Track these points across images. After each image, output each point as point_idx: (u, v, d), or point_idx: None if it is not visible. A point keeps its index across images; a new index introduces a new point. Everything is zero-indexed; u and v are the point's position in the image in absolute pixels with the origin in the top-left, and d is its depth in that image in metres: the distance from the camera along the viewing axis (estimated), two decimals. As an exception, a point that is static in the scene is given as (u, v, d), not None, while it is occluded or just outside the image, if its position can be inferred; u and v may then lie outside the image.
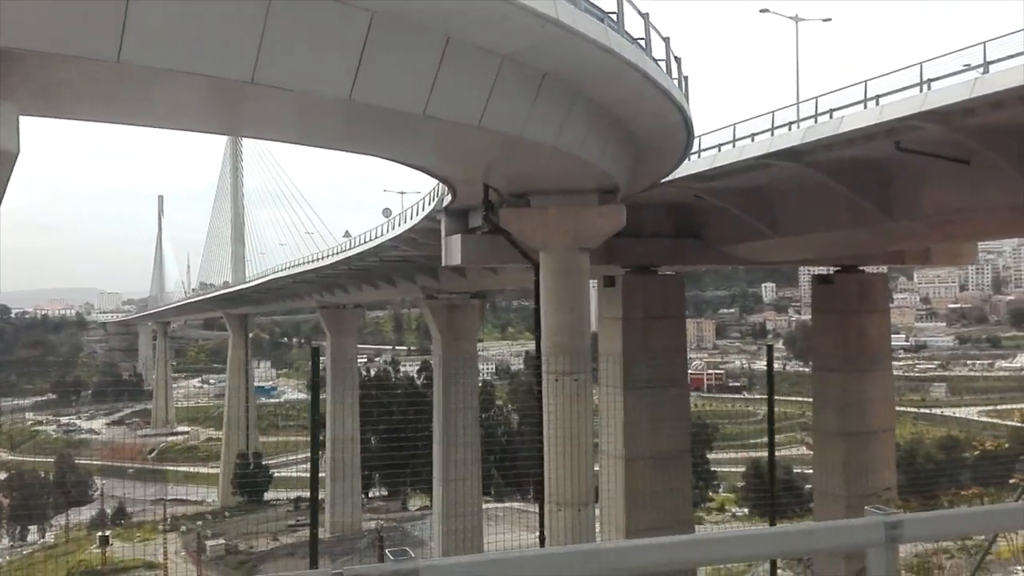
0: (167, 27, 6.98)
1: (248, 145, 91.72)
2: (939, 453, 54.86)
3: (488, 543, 48.05)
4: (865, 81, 19.14)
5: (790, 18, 29.22)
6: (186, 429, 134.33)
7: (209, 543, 62.93)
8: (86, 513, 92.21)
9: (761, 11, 28.40)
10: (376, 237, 38.97)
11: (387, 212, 44.51)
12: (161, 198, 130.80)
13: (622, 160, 15.70)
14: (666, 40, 14.61)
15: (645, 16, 12.90)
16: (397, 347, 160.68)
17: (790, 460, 76.37)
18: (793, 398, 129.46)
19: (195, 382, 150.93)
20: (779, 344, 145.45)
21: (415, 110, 9.78)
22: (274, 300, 77.30)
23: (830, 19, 36.18)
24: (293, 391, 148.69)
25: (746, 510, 68.86)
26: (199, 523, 70.25)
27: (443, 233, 26.62)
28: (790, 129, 21.83)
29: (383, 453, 73.40)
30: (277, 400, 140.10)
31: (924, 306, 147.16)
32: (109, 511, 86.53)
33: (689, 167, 22.11)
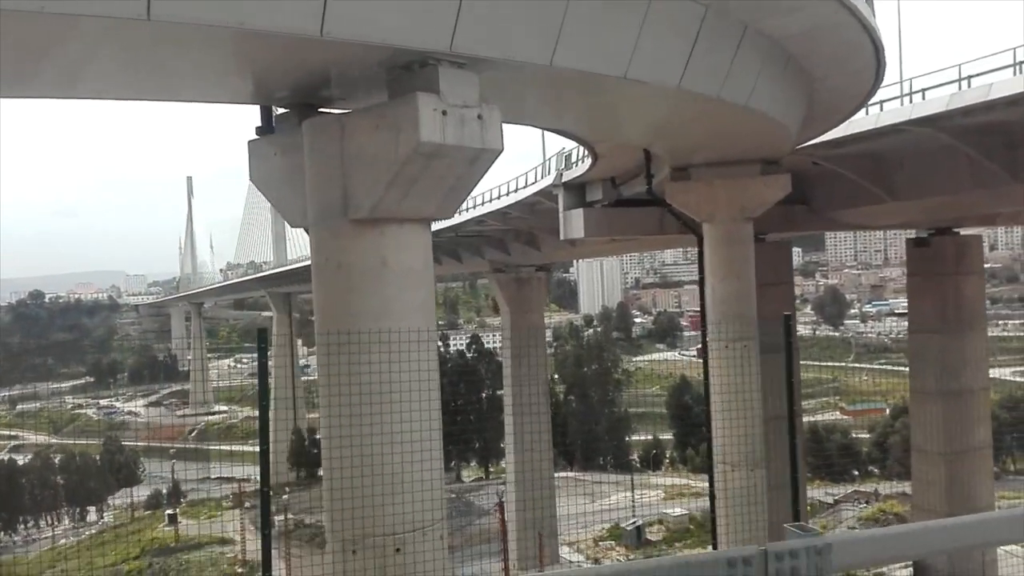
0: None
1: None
2: (1002, 412, 55.46)
3: (560, 510, 49.10)
4: (1014, 48, 19.42)
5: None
6: (224, 408, 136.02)
7: (276, 518, 64.09)
8: (137, 493, 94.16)
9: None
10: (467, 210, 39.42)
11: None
12: (190, 179, 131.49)
13: (797, 118, 15.72)
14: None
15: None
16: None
17: (834, 424, 77.22)
18: (825, 363, 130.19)
19: (229, 361, 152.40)
20: (807, 309, 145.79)
21: (616, 73, 8.93)
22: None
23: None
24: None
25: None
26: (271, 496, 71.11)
27: (560, 207, 27.17)
28: (910, 100, 22.16)
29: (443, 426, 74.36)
30: (312, 377, 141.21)
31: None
32: (164, 490, 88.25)
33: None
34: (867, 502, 48.15)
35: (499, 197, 36.64)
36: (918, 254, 32.81)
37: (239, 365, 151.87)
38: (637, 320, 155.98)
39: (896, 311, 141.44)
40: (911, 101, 22.19)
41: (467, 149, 7.27)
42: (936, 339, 31.21)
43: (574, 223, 26.20)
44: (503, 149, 7.49)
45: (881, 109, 23.07)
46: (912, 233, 34.32)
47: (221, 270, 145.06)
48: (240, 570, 54.94)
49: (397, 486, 7.53)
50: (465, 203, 43.63)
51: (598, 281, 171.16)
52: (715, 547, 18.98)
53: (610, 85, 9.43)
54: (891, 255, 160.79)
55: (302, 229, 9.66)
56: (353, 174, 7.48)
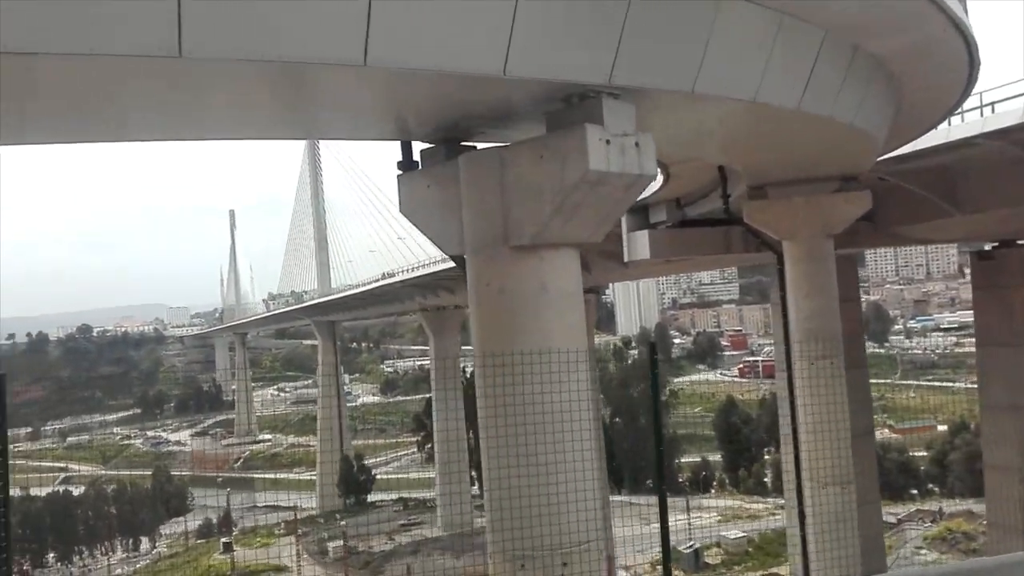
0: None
1: (326, 152, 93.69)
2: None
3: (617, 533, 48.77)
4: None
5: None
6: (268, 436, 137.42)
7: (330, 545, 64.47)
8: (188, 522, 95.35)
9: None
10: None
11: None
12: (232, 212, 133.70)
13: (885, 134, 15.83)
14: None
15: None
16: (465, 346, 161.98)
17: (889, 443, 75.78)
18: (872, 381, 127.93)
19: (272, 390, 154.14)
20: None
21: (747, 97, 9.09)
22: (370, 305, 78.74)
23: None
24: (367, 395, 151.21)
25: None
26: (320, 523, 71.77)
27: (624, 230, 27.43)
28: (981, 113, 22.21)
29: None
30: (354, 404, 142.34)
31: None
32: (214, 519, 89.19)
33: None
34: (932, 521, 47.31)
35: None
36: (982, 267, 32.52)
37: (282, 394, 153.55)
38: (676, 341, 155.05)
39: (942, 326, 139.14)
40: (982, 114, 22.28)
41: (627, 175, 7.62)
42: (1005, 352, 30.83)
43: (639, 244, 26.42)
44: (656, 174, 7.82)
45: (949, 123, 23.15)
46: (955, 247, 34.11)
47: (263, 300, 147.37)
48: (297, 597, 55.26)
49: (563, 503, 7.79)
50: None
51: (635, 302, 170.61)
52: (806, 569, 18.88)
53: (728, 106, 9.75)
54: (933, 269, 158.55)
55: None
56: (514, 203, 7.85)
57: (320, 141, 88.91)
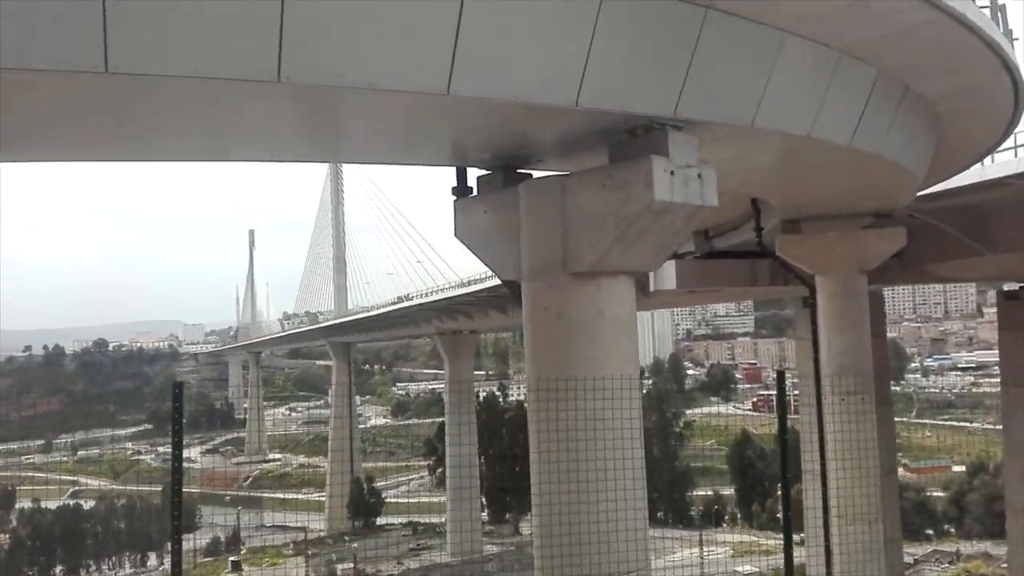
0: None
1: (349, 173, 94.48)
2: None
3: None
4: None
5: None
6: (278, 456, 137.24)
7: (339, 567, 64.19)
8: (196, 540, 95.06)
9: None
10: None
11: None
12: (252, 232, 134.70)
13: (924, 172, 15.92)
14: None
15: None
16: (476, 371, 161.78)
17: (906, 482, 74.76)
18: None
19: (283, 410, 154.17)
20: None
21: (802, 133, 9.26)
22: (387, 327, 78.97)
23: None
24: (377, 417, 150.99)
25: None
26: (329, 544, 71.47)
27: (651, 259, 27.52)
28: (1015, 154, 22.28)
29: (498, 478, 74.11)
30: (364, 426, 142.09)
31: None
32: (222, 537, 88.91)
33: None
34: (950, 562, 46.64)
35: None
36: (1008, 307, 32.31)
37: (293, 413, 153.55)
38: (690, 372, 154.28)
39: (959, 365, 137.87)
40: (1016, 155, 22.33)
41: (689, 206, 7.75)
42: (1030, 393, 30.61)
43: (665, 274, 26.49)
44: (716, 205, 7.96)
45: (982, 164, 23.21)
46: (974, 286, 33.87)
47: (278, 319, 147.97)
48: (305, 619, 54.88)
49: (613, 530, 7.83)
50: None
51: (649, 333, 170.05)
52: (831, 604, 18.66)
53: (777, 141, 9.90)
54: (951, 308, 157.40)
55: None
56: (574, 231, 7.99)
57: (343, 164, 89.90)
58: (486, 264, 9.38)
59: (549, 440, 8.13)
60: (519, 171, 9.26)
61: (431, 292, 62.11)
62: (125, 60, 5.20)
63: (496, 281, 52.34)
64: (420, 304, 61.66)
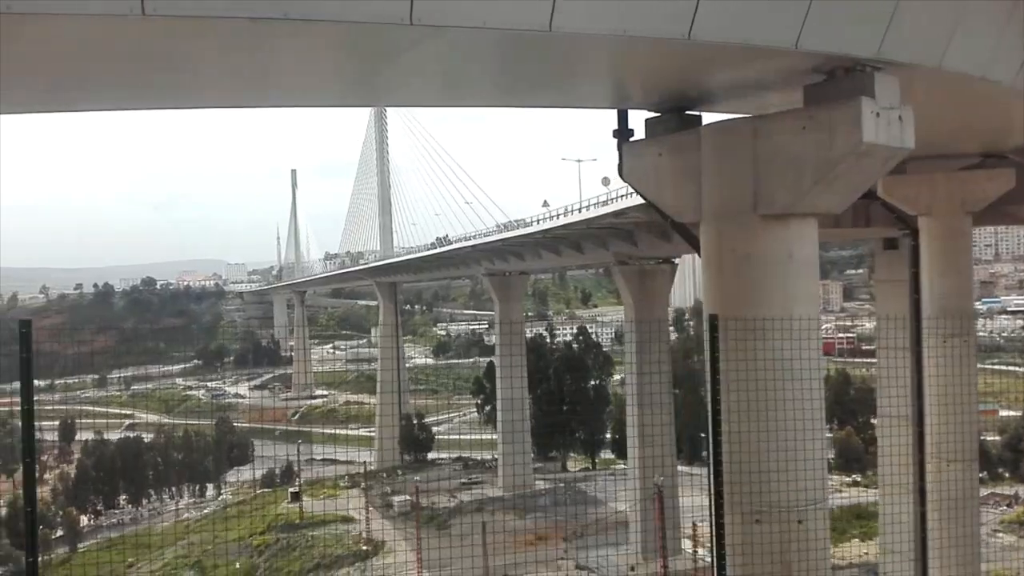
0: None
1: (393, 115, 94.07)
2: None
3: (683, 501, 49.08)
4: None
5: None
6: (324, 393, 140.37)
7: (394, 499, 66.05)
8: (248, 472, 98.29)
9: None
10: (611, 202, 39.92)
11: (606, 181, 45.82)
12: (294, 172, 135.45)
13: None
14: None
15: None
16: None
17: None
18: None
19: (327, 348, 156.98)
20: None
21: (979, 74, 9.15)
22: (435, 268, 79.54)
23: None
24: (420, 356, 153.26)
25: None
26: (383, 478, 73.53)
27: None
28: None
29: (547, 415, 75.32)
30: (408, 365, 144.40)
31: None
32: (277, 470, 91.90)
33: None
34: (1009, 504, 46.76)
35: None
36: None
37: (337, 352, 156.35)
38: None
39: (1008, 308, 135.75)
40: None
41: (890, 148, 7.79)
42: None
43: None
44: (913, 148, 7.98)
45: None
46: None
47: (319, 260, 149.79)
48: (365, 547, 56.83)
49: (799, 462, 8.09)
50: (608, 195, 44.22)
51: (690, 275, 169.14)
52: (923, 547, 18.98)
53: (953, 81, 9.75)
54: (1002, 250, 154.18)
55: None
56: (767, 173, 8.07)
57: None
58: (657, 205, 9.48)
59: (738, 378, 8.33)
60: (687, 113, 9.30)
61: (483, 234, 62.31)
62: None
63: (551, 223, 52.24)
64: (473, 245, 61.97)
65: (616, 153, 9.67)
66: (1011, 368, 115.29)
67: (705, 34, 6.25)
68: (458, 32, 5.73)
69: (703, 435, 76.17)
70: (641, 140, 9.45)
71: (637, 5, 6.06)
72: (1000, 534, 42.87)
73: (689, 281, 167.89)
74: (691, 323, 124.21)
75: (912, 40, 7.91)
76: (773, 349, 8.10)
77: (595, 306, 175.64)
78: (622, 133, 9.73)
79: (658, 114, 9.37)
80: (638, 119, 9.80)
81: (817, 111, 7.83)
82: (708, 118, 9.38)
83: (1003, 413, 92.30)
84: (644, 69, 8.27)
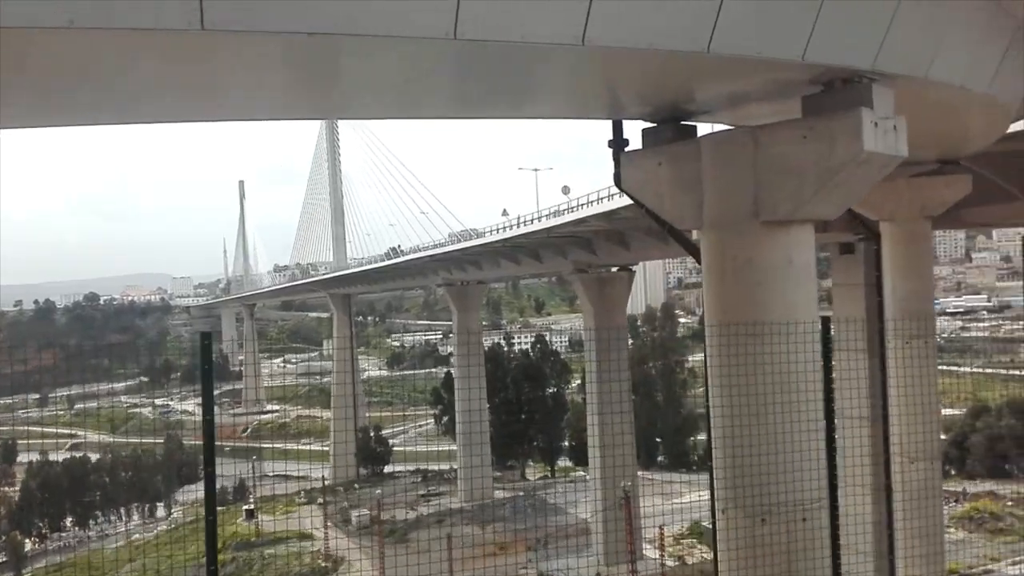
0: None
1: (344, 124, 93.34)
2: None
3: (644, 507, 49.56)
4: None
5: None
6: (276, 407, 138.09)
7: (353, 513, 65.31)
8: (200, 490, 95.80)
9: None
10: (572, 211, 40.21)
11: (566, 189, 46.25)
12: (242, 183, 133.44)
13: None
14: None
15: None
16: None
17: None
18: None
19: (278, 361, 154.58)
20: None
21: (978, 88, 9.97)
22: (389, 279, 79.13)
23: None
24: (373, 368, 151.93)
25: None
26: (340, 493, 72.60)
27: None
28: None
29: (505, 424, 75.30)
30: (362, 377, 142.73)
31: (1006, 265, 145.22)
32: (229, 487, 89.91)
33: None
34: (956, 501, 48.28)
35: (609, 198, 37.16)
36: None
37: (288, 365, 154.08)
38: (682, 320, 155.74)
39: (947, 310, 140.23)
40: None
41: (887, 156, 8.09)
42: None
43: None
44: (907, 156, 8.31)
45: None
46: (963, 232, 34.51)
47: (268, 272, 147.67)
48: (324, 564, 56.06)
49: (803, 461, 8.32)
50: (568, 204, 44.58)
51: (641, 282, 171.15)
52: (891, 542, 19.55)
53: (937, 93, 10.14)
54: (940, 253, 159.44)
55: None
56: (768, 181, 8.31)
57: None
58: (657, 214, 9.64)
59: (735, 383, 8.54)
60: (682, 123, 9.52)
61: (439, 244, 62.28)
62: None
63: (510, 232, 52.30)
64: (430, 255, 61.90)
65: (612, 163, 9.84)
66: (952, 368, 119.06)
67: (723, 48, 6.45)
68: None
69: (659, 440, 76.96)
70: (639, 150, 9.64)
71: (662, 19, 6.22)
72: (951, 529, 44.24)
73: (640, 287, 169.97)
74: (644, 329, 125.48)
75: (904, 52, 8.25)
76: (774, 352, 8.32)
77: (549, 314, 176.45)
78: (617, 144, 9.91)
79: (654, 124, 9.58)
80: (632, 130, 9.99)
81: (816, 121, 8.11)
82: (702, 128, 9.62)
83: (946, 412, 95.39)
84: (643, 81, 8.46)
